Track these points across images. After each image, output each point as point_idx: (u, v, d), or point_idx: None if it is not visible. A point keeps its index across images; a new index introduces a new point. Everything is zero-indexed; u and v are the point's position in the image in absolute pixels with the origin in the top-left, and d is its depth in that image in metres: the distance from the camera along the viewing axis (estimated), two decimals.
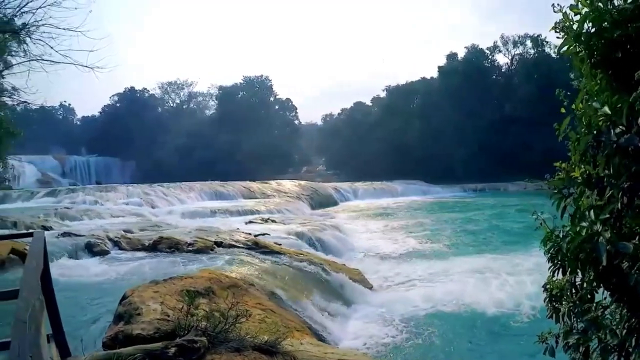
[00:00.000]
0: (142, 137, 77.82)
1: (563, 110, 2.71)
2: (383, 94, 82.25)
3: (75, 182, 62.50)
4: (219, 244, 12.67)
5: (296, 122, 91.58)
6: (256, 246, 12.40)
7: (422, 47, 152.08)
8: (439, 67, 73.50)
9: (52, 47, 13.03)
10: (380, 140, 71.87)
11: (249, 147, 73.86)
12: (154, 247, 12.64)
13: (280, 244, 13.77)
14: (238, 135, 74.77)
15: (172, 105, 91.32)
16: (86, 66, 13.65)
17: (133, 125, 79.29)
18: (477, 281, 12.61)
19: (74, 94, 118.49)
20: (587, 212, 2.29)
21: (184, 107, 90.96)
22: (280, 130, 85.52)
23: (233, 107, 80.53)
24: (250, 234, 15.08)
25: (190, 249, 12.19)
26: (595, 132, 2.35)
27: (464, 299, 11.18)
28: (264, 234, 15.73)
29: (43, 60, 13.84)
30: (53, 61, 13.79)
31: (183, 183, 36.24)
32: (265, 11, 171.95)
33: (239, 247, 12.49)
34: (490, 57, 71.87)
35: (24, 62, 16.38)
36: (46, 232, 15.46)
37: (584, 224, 2.26)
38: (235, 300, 5.57)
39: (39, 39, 13.38)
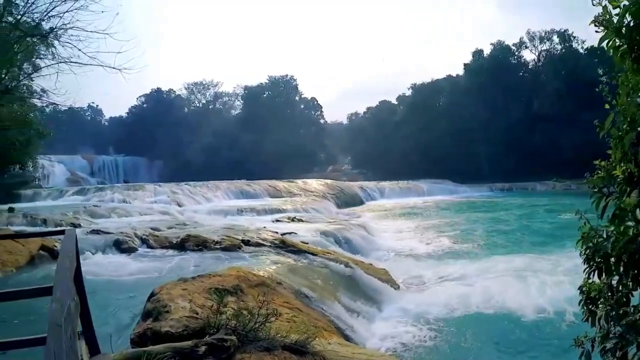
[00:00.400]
0: (169, 137, 78.60)
1: (607, 106, 2.62)
2: (408, 92, 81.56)
3: (104, 181, 63.39)
4: (247, 243, 12.74)
5: (322, 121, 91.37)
6: (283, 245, 12.41)
7: (449, 43, 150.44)
8: (465, 65, 72.92)
9: (80, 50, 13.15)
10: (406, 138, 71.36)
11: (274, 147, 73.98)
12: (182, 245, 12.80)
13: (307, 243, 13.74)
14: (264, 134, 75.11)
15: (198, 105, 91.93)
16: (114, 67, 13.74)
17: (160, 125, 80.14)
18: (512, 282, 12.21)
19: (101, 96, 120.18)
20: (631, 212, 2.21)
21: (210, 107, 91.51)
22: (305, 130, 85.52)
23: (258, 107, 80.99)
24: (277, 232, 15.10)
25: (218, 247, 12.31)
26: (638, 128, 2.27)
27: (497, 301, 10.83)
28: (290, 233, 15.70)
29: (71, 62, 13.98)
30: (81, 63, 13.92)
31: (209, 182, 36.53)
32: (289, 11, 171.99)
33: (266, 245, 12.54)
34: (516, 53, 70.75)
35: (52, 64, 16.60)
36: (76, 230, 15.80)
37: (630, 223, 2.18)
38: (264, 299, 5.55)
39: (67, 42, 13.53)
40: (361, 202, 42.07)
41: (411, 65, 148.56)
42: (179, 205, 26.96)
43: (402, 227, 24.33)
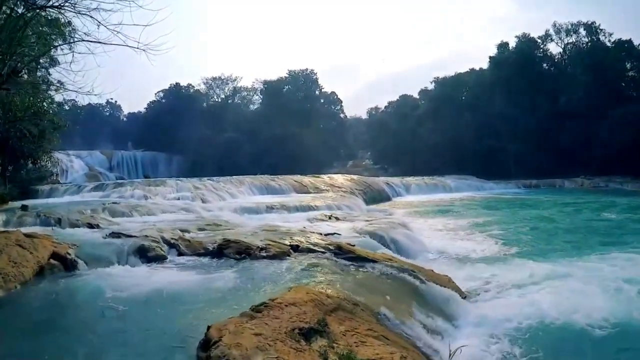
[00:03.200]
0: (188, 132, 77.59)
1: None
2: (431, 86, 79.99)
3: (122, 176, 62.76)
4: (296, 248, 10.95)
5: (341, 115, 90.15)
6: (340, 251, 10.50)
7: (468, 38, 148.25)
8: (490, 58, 70.82)
9: (100, 23, 11.32)
10: (429, 133, 70.20)
11: (294, 141, 72.86)
12: (220, 251, 10.76)
13: (354, 245, 11.95)
14: (284, 129, 73.86)
15: (217, 100, 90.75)
16: (137, 48, 11.92)
17: (179, 120, 79.29)
18: (600, 288, 10.45)
19: (120, 92, 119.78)
20: None
21: (229, 101, 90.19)
22: (325, 124, 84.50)
23: (278, 101, 79.94)
24: (320, 233, 13.43)
25: (264, 254, 10.39)
26: None
27: (584, 312, 8.94)
28: (333, 234, 13.96)
29: (89, 41, 12.20)
30: (100, 42, 12.09)
31: (233, 177, 34.89)
32: (307, 6, 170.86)
33: (319, 251, 10.71)
34: (542, 46, 68.78)
35: (64, 44, 14.96)
36: (94, 232, 13.91)
37: None
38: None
39: (85, 13, 11.69)
40: (388, 199, 40.39)
41: (428, 61, 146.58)
42: (203, 201, 25.25)
43: (442, 225, 22.42)
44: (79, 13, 11.23)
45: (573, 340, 8.24)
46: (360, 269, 9.45)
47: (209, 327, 4.55)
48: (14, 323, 6.87)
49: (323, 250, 10.70)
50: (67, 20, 14.60)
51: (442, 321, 8.61)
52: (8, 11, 12.19)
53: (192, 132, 77.13)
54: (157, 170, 73.95)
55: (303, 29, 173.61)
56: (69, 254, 9.90)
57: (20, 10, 12.27)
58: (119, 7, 11.03)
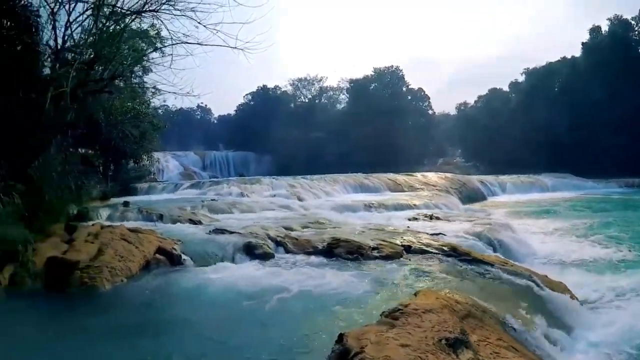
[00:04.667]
0: (276, 132, 79.24)
1: None
2: (521, 78, 76.63)
3: (215, 175, 65.01)
4: (408, 249, 10.57)
5: (430, 112, 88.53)
6: (454, 252, 10.16)
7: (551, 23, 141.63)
8: (583, 44, 67.12)
9: (199, 22, 11.58)
10: (521, 128, 66.85)
11: (383, 139, 72.34)
12: (330, 251, 10.44)
13: (461, 246, 11.48)
14: (371, 127, 73.44)
15: (304, 100, 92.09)
16: (235, 47, 12.14)
17: (267, 122, 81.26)
18: None
19: (208, 95, 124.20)
20: None
21: (316, 101, 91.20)
22: (414, 122, 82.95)
23: (365, 100, 79.75)
24: (427, 233, 13.07)
25: (376, 254, 10.04)
26: None
27: None
28: (439, 234, 13.53)
29: (188, 42, 12.53)
30: (200, 43, 12.41)
31: (326, 175, 34.95)
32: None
33: (432, 252, 10.36)
34: (636, 28, 64.08)
35: (158, 49, 15.47)
36: (196, 228, 14.13)
37: None
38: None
39: (183, 15, 12.00)
40: (483, 198, 38.90)
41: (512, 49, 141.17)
42: (299, 199, 25.37)
43: (543, 227, 20.81)
44: (179, 15, 11.52)
45: None
46: (478, 272, 9.03)
47: (341, 335, 4.26)
48: (120, 317, 6.90)
49: (436, 251, 10.33)
50: (157, 32, 15.10)
51: (562, 331, 8.06)
52: (104, 19, 12.66)
53: (280, 133, 78.52)
54: (248, 169, 76.01)
55: (389, 24, 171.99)
56: (175, 249, 9.98)
57: (117, 17, 12.76)
58: (215, 7, 11.19)
